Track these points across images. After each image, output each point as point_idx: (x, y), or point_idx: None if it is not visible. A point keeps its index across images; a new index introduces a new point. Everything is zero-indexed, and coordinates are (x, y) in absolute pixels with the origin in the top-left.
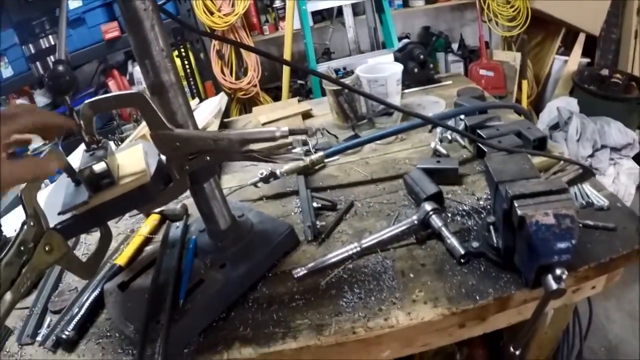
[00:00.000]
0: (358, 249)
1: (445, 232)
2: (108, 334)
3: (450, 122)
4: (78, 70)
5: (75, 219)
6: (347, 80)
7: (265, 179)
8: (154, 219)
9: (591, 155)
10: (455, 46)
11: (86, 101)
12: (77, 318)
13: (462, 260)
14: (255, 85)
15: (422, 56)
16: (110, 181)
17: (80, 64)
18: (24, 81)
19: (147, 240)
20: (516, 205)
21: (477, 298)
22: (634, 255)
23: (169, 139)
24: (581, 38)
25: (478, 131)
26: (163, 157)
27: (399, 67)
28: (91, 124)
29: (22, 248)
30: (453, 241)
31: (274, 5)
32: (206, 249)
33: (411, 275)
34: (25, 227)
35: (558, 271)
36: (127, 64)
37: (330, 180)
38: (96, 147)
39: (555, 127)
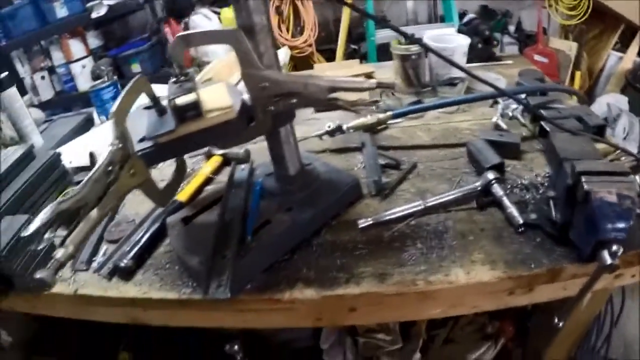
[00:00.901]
0: (422, 206)
1: (505, 201)
2: (167, 266)
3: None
4: (132, 17)
5: (158, 147)
6: (413, 48)
7: (332, 132)
8: (215, 160)
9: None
10: (512, 28)
11: (178, 34)
12: (137, 248)
13: (520, 230)
14: (310, 45)
15: (487, 32)
16: (197, 113)
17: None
18: (78, 21)
19: (208, 181)
20: (583, 180)
21: (532, 266)
22: None
23: (258, 79)
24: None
25: (540, 111)
26: (246, 97)
27: (467, 40)
28: (181, 56)
29: (109, 168)
30: (513, 210)
31: None
32: (273, 192)
33: (471, 237)
34: (113, 148)
35: (615, 247)
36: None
37: (393, 141)
38: (184, 80)
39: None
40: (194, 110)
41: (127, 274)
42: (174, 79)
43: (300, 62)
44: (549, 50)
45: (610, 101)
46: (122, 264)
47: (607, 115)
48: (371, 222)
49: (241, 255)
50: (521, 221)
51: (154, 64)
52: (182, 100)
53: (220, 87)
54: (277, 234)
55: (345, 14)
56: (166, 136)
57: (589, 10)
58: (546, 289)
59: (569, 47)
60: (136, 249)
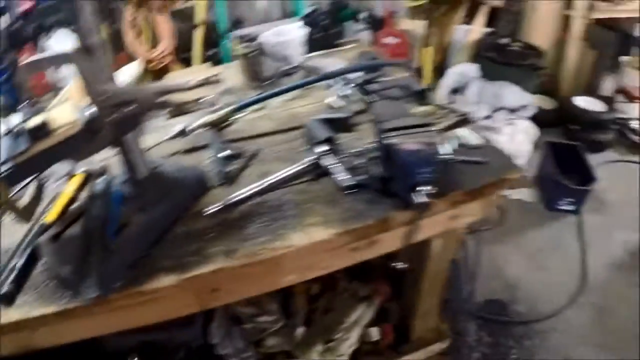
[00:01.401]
0: (261, 187)
1: (333, 169)
2: (44, 284)
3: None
4: None
5: (17, 167)
6: (249, 47)
7: (179, 134)
8: (77, 179)
9: (489, 116)
10: (362, 16)
11: (24, 62)
12: (14, 274)
13: (347, 191)
14: (168, 55)
15: (326, 22)
16: (47, 132)
17: None
18: None
19: (72, 200)
20: (384, 136)
21: (363, 219)
22: (500, 183)
23: (99, 92)
24: (485, 9)
25: (366, 86)
26: (91, 111)
27: (300, 32)
28: (27, 83)
29: None
30: (338, 176)
31: None
32: (129, 196)
33: (308, 205)
34: None
35: (421, 187)
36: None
37: (238, 134)
38: (33, 104)
39: (456, 91)
40: (43, 129)
41: (8, 299)
42: (23, 105)
43: (163, 73)
44: (399, 32)
45: (461, 70)
46: (2, 291)
47: (458, 84)
48: (217, 208)
49: (105, 257)
50: (345, 184)
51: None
52: (31, 122)
53: (67, 106)
54: (134, 234)
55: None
56: (21, 156)
57: None
58: (386, 239)
59: (418, 27)
60: (14, 274)
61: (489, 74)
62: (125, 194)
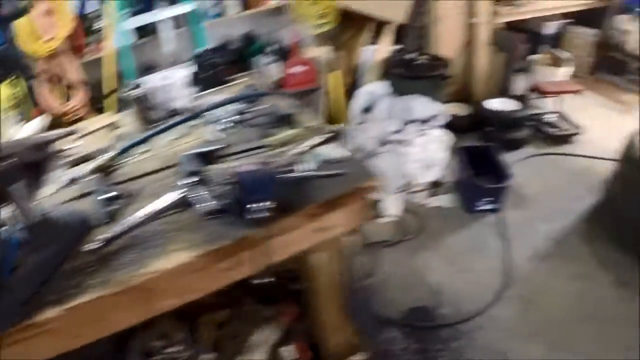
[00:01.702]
0: (134, 222)
1: (196, 199)
2: None
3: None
4: None
5: None
6: (135, 92)
7: (70, 183)
8: None
9: (400, 130)
10: (271, 48)
11: None
12: None
13: (209, 217)
14: (82, 107)
15: (214, 61)
16: None
17: None
18: None
19: None
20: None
21: (222, 240)
22: (356, 192)
23: None
24: (391, 28)
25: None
26: None
27: (180, 74)
28: None
29: None
30: (201, 204)
31: (94, 28)
32: (23, 241)
33: (174, 233)
34: None
35: (253, 205)
36: None
37: (124, 176)
38: None
39: (368, 110)
40: None
41: None
42: None
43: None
44: (305, 60)
45: (370, 90)
46: None
47: (368, 103)
48: (97, 245)
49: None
50: (205, 210)
51: None
52: None
53: None
54: (25, 273)
55: (109, 71)
56: None
57: (338, 17)
58: (253, 259)
59: (324, 53)
60: None
61: (398, 90)
62: (21, 239)
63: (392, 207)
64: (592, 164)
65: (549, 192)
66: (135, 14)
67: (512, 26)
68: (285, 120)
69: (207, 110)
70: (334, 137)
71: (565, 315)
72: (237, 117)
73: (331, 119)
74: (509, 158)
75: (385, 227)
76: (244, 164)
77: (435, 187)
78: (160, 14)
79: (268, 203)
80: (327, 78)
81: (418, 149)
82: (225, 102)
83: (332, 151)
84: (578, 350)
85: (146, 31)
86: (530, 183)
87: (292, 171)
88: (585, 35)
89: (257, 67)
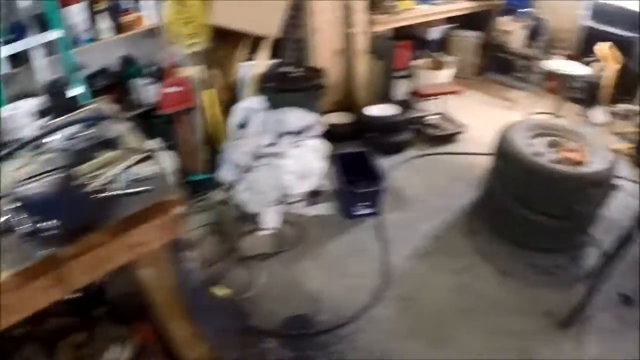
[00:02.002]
0: None
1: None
2: None
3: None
4: None
5: None
6: None
7: None
8: None
9: (274, 143)
10: (148, 70)
11: None
12: None
13: (24, 239)
14: None
15: (56, 89)
16: None
17: None
18: None
19: None
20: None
21: (30, 260)
22: (159, 207)
23: None
24: (267, 43)
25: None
26: None
27: (29, 103)
28: None
29: None
30: (17, 229)
31: None
32: None
33: None
34: None
35: (43, 225)
36: None
37: None
38: None
39: (244, 125)
40: None
41: None
42: None
43: None
44: (180, 80)
45: (246, 105)
46: None
47: (245, 119)
48: None
49: None
50: (20, 232)
51: None
52: None
53: None
54: None
55: None
56: None
57: (210, 35)
58: (68, 276)
59: (199, 71)
60: None
61: (274, 103)
62: None
63: (270, 219)
64: (473, 161)
65: (430, 191)
66: (7, 42)
67: (398, 33)
68: (109, 144)
69: (37, 138)
70: (149, 157)
71: (446, 310)
72: (67, 142)
73: (209, 137)
74: (390, 161)
75: (263, 240)
76: (31, 186)
77: (313, 196)
78: (28, 42)
79: (56, 222)
80: (202, 96)
81: (293, 160)
82: (53, 130)
83: (144, 170)
84: (459, 343)
85: (21, 60)
86: (411, 184)
87: (101, 191)
88: (470, 38)
89: (135, 90)
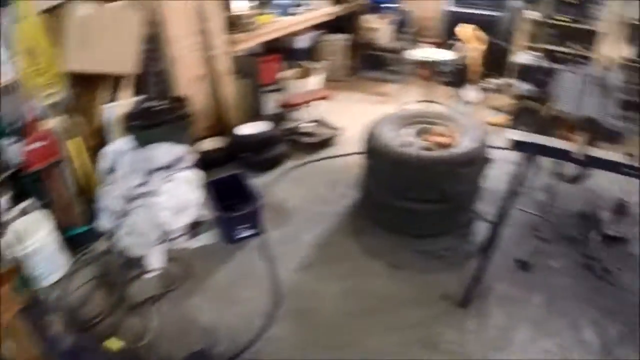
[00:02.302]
0: None
1: None
2: None
3: None
4: None
5: None
6: None
7: None
8: None
9: (144, 183)
10: (11, 128)
11: None
12: None
13: None
14: None
15: None
16: None
17: None
18: None
19: None
20: None
21: None
22: None
23: None
24: (128, 81)
25: None
26: None
27: None
28: None
29: None
30: None
31: None
32: None
33: None
34: None
35: None
36: None
37: None
38: None
39: (113, 169)
40: None
41: None
42: None
43: None
44: (43, 133)
45: (113, 148)
46: None
47: (113, 162)
48: None
49: None
50: None
51: None
52: None
53: None
54: None
55: None
56: None
57: (67, 82)
58: None
59: (59, 122)
60: None
61: (143, 141)
62: None
63: (155, 260)
64: (350, 161)
65: (311, 200)
66: None
67: (268, 46)
68: None
69: None
70: None
71: (341, 315)
72: None
73: (82, 188)
74: (269, 177)
75: (151, 283)
76: None
77: (194, 227)
78: None
79: None
80: (68, 147)
81: (167, 196)
82: None
83: None
84: (360, 345)
85: None
86: (291, 196)
87: None
88: (339, 40)
89: (1, 152)
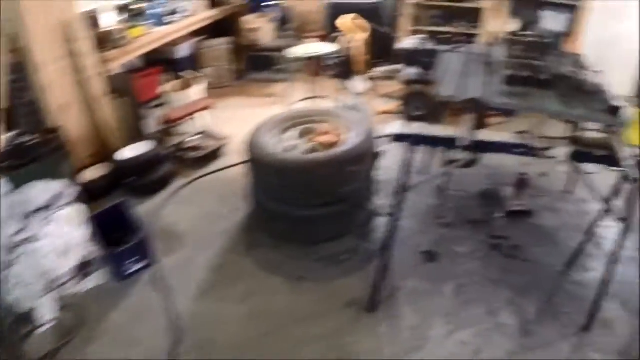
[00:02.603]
0: None
1: None
2: None
3: None
4: None
5: None
6: None
7: None
8: None
9: (22, 229)
10: None
11: None
12: None
13: None
14: None
15: None
16: None
17: None
18: None
19: None
20: None
21: None
22: None
23: None
24: None
25: None
26: None
27: None
28: None
29: None
30: None
31: None
32: None
33: None
34: None
35: None
36: None
37: None
38: None
39: None
40: None
41: None
42: None
43: None
44: None
45: None
46: None
47: None
48: None
49: None
50: None
51: None
52: None
53: None
54: None
55: None
56: None
57: None
58: None
59: None
60: None
61: (18, 182)
62: None
63: (46, 311)
64: (241, 172)
65: (203, 219)
66: None
67: (149, 59)
68: None
69: None
70: None
71: (246, 338)
72: None
73: None
74: (157, 200)
75: (45, 337)
76: None
77: (83, 268)
78: None
79: None
80: None
81: (49, 239)
82: None
83: None
84: None
85: None
86: (183, 218)
87: None
88: (221, 45)
89: None
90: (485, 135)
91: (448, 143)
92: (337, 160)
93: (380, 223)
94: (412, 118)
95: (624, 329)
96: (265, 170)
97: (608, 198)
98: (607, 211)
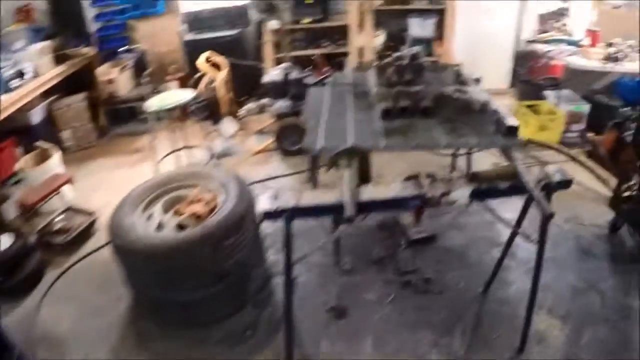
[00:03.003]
0: None
1: None
2: None
3: None
4: None
5: None
6: None
7: None
8: None
9: None
10: None
11: None
12: None
13: None
14: None
15: None
16: None
17: None
18: None
19: None
20: None
21: None
22: None
23: None
24: None
25: None
26: None
27: None
28: None
29: None
30: None
31: None
32: None
33: None
34: None
35: None
36: None
37: None
38: None
39: None
40: None
41: None
42: None
43: None
44: None
45: None
46: None
47: None
48: None
49: None
50: None
51: None
52: None
53: None
54: None
55: None
56: None
57: None
58: None
59: None
60: None
61: None
62: None
63: None
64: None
65: (82, 316)
66: None
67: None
68: None
69: None
70: None
71: None
72: None
73: None
74: (30, 301)
75: None
76: None
77: None
78: None
79: None
80: None
81: None
82: None
83: None
84: None
85: None
86: (62, 317)
87: None
88: (77, 102)
89: None
90: (372, 192)
91: (332, 211)
92: (212, 234)
93: (278, 282)
94: (288, 153)
95: (558, 339)
96: (133, 257)
97: (518, 220)
98: (517, 233)
